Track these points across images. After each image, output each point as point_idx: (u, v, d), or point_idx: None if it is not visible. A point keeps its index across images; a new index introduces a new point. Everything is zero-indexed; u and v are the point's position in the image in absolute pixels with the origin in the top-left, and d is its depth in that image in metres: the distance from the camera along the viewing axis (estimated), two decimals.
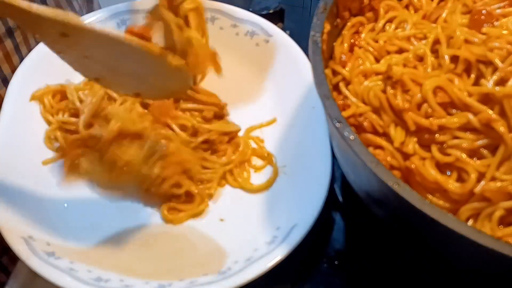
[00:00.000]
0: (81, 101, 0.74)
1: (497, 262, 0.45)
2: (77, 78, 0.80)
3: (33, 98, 0.78)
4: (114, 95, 0.74)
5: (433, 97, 0.55)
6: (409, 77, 0.57)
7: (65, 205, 0.70)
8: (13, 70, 0.80)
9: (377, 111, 0.59)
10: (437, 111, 0.55)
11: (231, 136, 0.77)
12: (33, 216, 0.67)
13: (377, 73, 0.62)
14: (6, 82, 0.82)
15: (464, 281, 0.56)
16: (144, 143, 0.64)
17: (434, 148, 0.55)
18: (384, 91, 0.58)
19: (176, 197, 0.70)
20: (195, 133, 0.74)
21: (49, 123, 0.77)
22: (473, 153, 0.54)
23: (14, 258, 0.64)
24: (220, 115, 0.77)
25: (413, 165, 0.54)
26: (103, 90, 0.74)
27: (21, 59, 0.85)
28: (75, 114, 0.75)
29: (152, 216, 0.71)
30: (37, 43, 0.88)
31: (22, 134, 0.74)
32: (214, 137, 0.73)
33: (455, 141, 0.54)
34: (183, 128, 0.74)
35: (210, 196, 0.73)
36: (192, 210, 0.70)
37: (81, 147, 0.65)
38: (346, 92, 0.61)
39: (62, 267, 0.61)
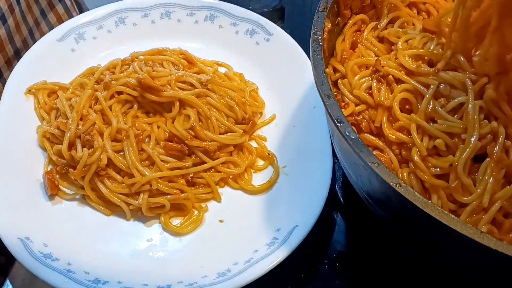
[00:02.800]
0: (72, 108, 0.74)
1: (500, 263, 0.44)
2: (71, 77, 0.80)
3: (28, 91, 0.77)
4: (109, 114, 0.73)
5: None
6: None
7: (63, 205, 0.70)
8: None
9: (370, 108, 0.59)
10: None
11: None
12: (30, 217, 0.66)
13: (368, 67, 0.62)
14: None
15: (464, 282, 0.56)
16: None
17: None
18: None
19: (175, 207, 0.70)
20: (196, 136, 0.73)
21: (42, 119, 0.76)
22: None
23: (12, 258, 0.63)
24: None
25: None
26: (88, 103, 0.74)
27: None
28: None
29: (151, 218, 0.70)
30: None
31: (18, 133, 0.73)
32: (212, 147, 0.72)
33: None
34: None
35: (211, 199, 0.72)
36: (194, 223, 0.69)
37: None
38: (342, 88, 0.61)
39: (59, 269, 0.61)
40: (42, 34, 0.88)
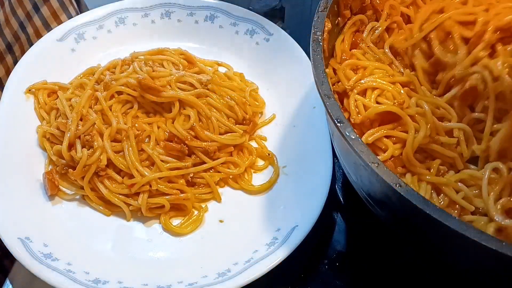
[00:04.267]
0: (72, 108, 0.73)
1: (500, 263, 0.44)
2: (71, 77, 0.80)
3: (28, 91, 0.77)
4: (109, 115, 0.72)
5: None
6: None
7: (63, 205, 0.70)
8: None
9: None
10: None
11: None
12: (30, 217, 0.66)
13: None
14: None
15: (464, 282, 0.56)
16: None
17: None
18: None
19: (175, 207, 0.70)
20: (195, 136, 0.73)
21: (42, 119, 0.76)
22: None
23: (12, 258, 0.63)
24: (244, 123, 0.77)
25: None
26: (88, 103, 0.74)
27: None
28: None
29: (151, 219, 0.70)
30: None
31: (18, 133, 0.73)
32: (212, 148, 0.72)
33: None
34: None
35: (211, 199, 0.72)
36: (194, 223, 0.69)
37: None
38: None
39: (59, 269, 0.61)
40: (35, 27, 0.88)
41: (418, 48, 0.63)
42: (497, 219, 0.51)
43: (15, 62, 0.87)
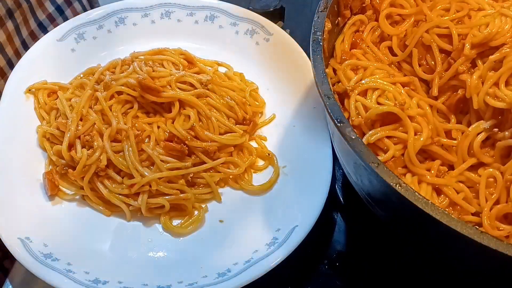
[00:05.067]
0: (72, 108, 0.73)
1: (500, 263, 0.44)
2: (70, 76, 0.80)
3: (28, 91, 0.77)
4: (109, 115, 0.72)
5: None
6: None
7: (63, 205, 0.69)
8: (15, 51, 0.80)
9: None
10: None
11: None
12: (30, 217, 0.66)
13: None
14: (10, 64, 0.82)
15: (464, 282, 0.56)
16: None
17: None
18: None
19: (175, 207, 0.70)
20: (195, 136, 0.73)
21: (42, 119, 0.76)
22: None
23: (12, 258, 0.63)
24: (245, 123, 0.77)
25: None
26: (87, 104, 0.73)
27: (22, 40, 0.86)
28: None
29: (151, 219, 0.70)
30: (36, 23, 0.88)
31: (18, 133, 0.73)
32: (212, 148, 0.72)
33: None
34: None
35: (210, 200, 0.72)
36: (194, 223, 0.69)
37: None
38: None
39: (59, 269, 0.61)
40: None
41: (404, 62, 0.64)
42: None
43: (16, 28, 0.87)
